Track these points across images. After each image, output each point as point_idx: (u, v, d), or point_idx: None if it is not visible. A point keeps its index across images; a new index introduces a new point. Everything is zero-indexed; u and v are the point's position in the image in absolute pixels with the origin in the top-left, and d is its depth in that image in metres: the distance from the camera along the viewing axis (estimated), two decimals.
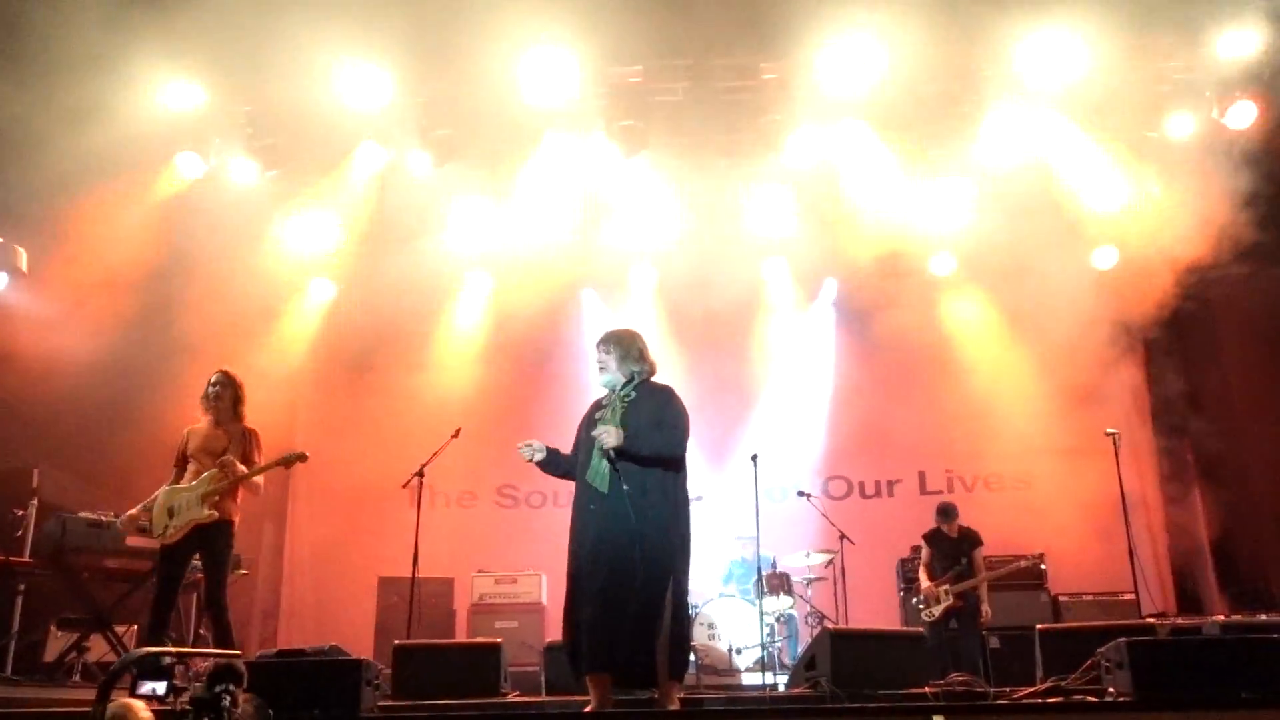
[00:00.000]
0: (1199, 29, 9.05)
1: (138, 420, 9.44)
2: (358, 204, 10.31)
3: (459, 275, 11.55)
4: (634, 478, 4.99)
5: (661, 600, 4.92)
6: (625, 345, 5.41)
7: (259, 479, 6.43)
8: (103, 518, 6.76)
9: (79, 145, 8.38)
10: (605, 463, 5.04)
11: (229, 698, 2.94)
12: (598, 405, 5.38)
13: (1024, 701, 5.22)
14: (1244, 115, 9.34)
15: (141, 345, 9.22)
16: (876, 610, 9.86)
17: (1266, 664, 4.71)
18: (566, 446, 5.42)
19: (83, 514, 6.82)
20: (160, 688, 4.43)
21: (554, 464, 5.40)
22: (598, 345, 5.47)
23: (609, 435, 4.98)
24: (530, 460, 5.35)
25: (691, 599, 8.69)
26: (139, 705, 3.38)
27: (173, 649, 5.35)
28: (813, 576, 9.77)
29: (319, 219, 10.53)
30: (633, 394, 5.28)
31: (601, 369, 5.41)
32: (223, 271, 9.81)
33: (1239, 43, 8.97)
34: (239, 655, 5.18)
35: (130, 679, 4.52)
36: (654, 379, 5.42)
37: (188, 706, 2.93)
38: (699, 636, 8.85)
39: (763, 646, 8.48)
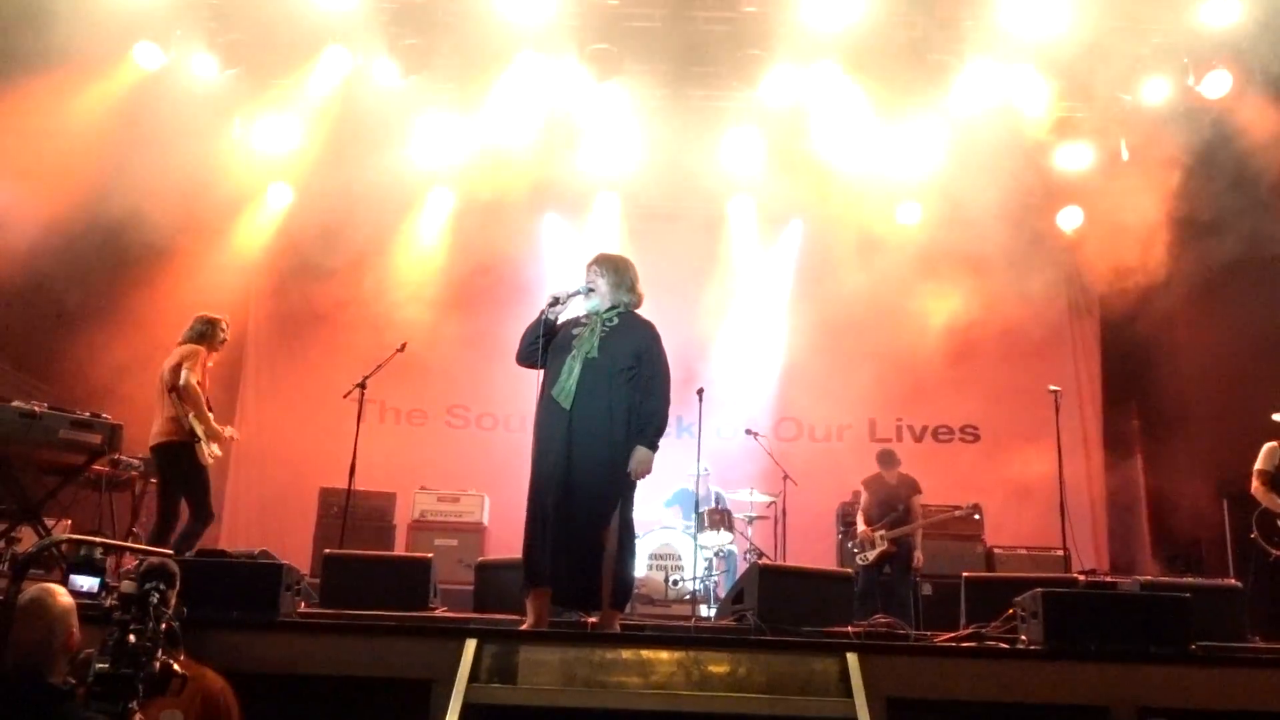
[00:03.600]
0: None
1: (88, 317, 9.33)
2: (321, 109, 10.05)
3: (421, 190, 11.36)
4: (606, 400, 4.99)
5: (609, 524, 4.94)
6: (620, 272, 5.29)
7: None
8: (35, 408, 6.61)
9: (34, 27, 8.13)
10: (572, 382, 4.99)
11: (158, 596, 2.88)
12: (574, 323, 5.26)
13: (939, 645, 5.30)
14: (1219, 84, 9.28)
15: (94, 241, 9.02)
16: (814, 551, 9.96)
17: (1176, 621, 4.80)
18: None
19: (15, 403, 6.66)
20: (93, 584, 4.37)
21: (537, 334, 5.22)
22: (590, 266, 5.33)
23: (642, 468, 5.03)
24: (553, 300, 5.24)
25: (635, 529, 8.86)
26: (60, 590, 3.34)
27: (102, 539, 5.29)
28: (755, 514, 9.84)
29: (280, 122, 10.30)
30: (615, 320, 5.19)
31: (590, 291, 5.27)
32: (181, 169, 9.57)
33: (1220, 11, 8.91)
34: (171, 555, 5.14)
35: (62, 572, 4.45)
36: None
37: (115, 603, 2.88)
38: (638, 567, 8.93)
39: (698, 579, 8.57)
